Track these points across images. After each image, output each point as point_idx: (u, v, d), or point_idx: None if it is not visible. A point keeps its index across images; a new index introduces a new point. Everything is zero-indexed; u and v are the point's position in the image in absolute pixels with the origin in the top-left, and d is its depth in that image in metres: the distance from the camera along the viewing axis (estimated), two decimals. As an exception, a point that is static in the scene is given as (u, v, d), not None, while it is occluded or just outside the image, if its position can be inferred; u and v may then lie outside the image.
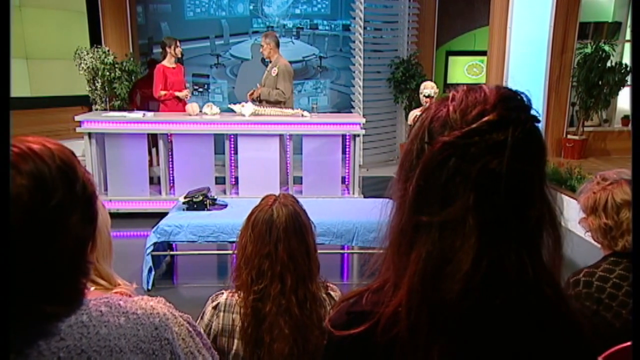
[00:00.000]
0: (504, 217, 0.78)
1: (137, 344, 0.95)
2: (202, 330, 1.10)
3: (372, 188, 7.24)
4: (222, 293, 1.76)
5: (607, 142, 9.72)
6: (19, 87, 8.66)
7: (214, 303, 1.74)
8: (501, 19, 5.72)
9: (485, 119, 0.78)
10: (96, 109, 8.47)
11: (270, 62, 6.47)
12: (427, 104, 5.33)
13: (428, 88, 5.47)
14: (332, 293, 1.78)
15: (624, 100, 9.51)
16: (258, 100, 6.45)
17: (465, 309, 0.78)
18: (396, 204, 0.88)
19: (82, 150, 8.48)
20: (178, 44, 6.61)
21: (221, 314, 1.71)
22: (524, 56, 5.65)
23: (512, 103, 0.81)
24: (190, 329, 1.05)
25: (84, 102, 9.08)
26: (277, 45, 6.41)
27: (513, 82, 5.72)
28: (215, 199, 4.73)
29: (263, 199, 1.80)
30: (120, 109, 8.19)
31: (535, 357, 0.82)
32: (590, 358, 0.89)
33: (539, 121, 0.83)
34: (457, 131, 0.79)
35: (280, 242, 1.67)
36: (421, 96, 5.54)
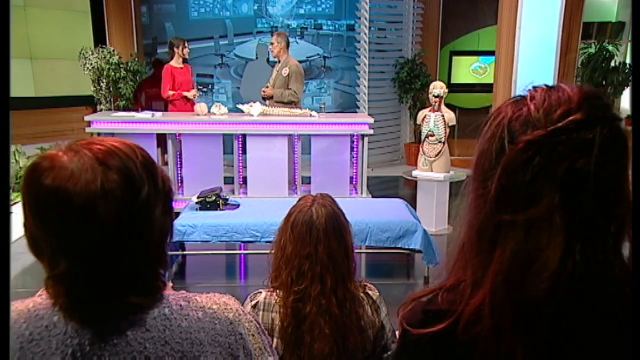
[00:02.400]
0: (591, 216, 0.79)
1: (215, 337, 0.98)
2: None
3: (378, 188, 7.26)
4: (261, 292, 1.76)
5: (611, 142, 9.75)
6: (24, 87, 8.65)
7: (253, 302, 1.74)
8: (510, 19, 5.73)
9: (572, 118, 0.79)
10: (101, 109, 8.46)
11: (279, 62, 6.46)
12: (437, 104, 5.36)
13: (438, 88, 5.48)
14: (370, 292, 1.79)
15: (627, 100, 9.55)
16: (269, 99, 6.44)
17: (552, 308, 0.79)
18: (474, 203, 0.89)
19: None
20: (186, 44, 6.62)
21: (260, 312, 1.72)
22: (533, 56, 5.66)
23: (597, 102, 0.82)
24: (258, 326, 1.06)
25: (88, 103, 9.08)
26: (288, 45, 6.41)
27: (522, 82, 5.73)
28: (228, 199, 4.73)
29: (301, 200, 1.80)
30: (125, 109, 8.20)
31: (617, 358, 0.82)
32: None
33: (621, 120, 0.83)
34: (542, 130, 0.80)
35: (320, 243, 1.68)
36: (431, 96, 5.55)
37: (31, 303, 0.97)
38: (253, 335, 1.04)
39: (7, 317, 0.86)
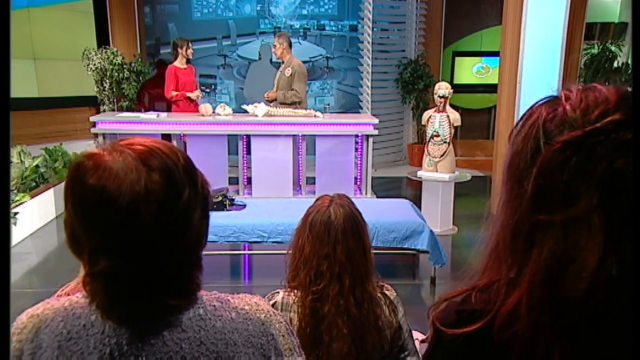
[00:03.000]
0: (629, 216, 0.79)
1: (248, 338, 0.98)
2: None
3: (381, 188, 7.27)
4: (278, 292, 1.77)
5: (613, 142, 9.76)
6: (27, 88, 8.65)
7: (271, 302, 1.75)
8: (515, 19, 5.73)
9: (610, 118, 0.79)
10: (104, 110, 8.47)
11: (283, 62, 6.47)
12: (442, 104, 5.37)
13: (442, 88, 5.49)
14: (387, 292, 1.79)
15: (629, 100, 9.53)
16: (273, 101, 6.45)
17: (590, 308, 0.79)
18: (508, 202, 0.89)
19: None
20: (190, 45, 6.61)
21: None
22: (537, 57, 5.66)
23: (633, 102, 0.82)
24: (288, 326, 1.06)
25: (91, 103, 9.08)
26: (290, 45, 6.41)
27: (527, 83, 5.73)
28: (234, 200, 4.73)
29: (318, 200, 1.80)
30: (129, 109, 8.21)
31: None
32: None
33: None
34: (579, 131, 0.80)
35: (338, 243, 1.68)
36: (435, 96, 5.55)
37: (67, 301, 0.97)
38: (283, 336, 1.05)
39: (7, 317, 0.86)
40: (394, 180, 8.33)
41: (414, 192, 7.26)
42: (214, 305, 0.99)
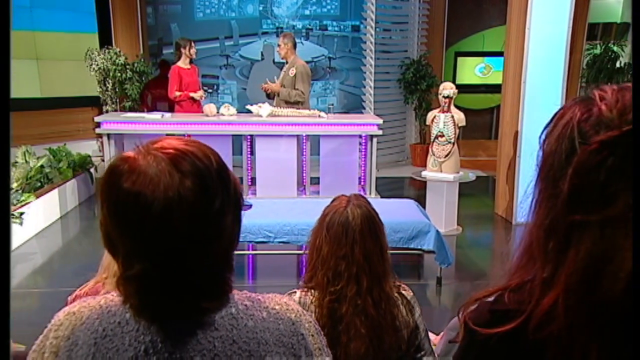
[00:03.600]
0: None
1: (279, 337, 0.99)
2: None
3: (384, 188, 7.26)
4: (295, 292, 1.77)
5: (615, 143, 9.78)
6: (29, 88, 8.65)
7: None
8: (519, 19, 5.73)
9: None
10: (107, 110, 8.47)
11: (287, 62, 6.47)
12: (446, 104, 5.37)
13: (447, 89, 5.49)
14: (403, 292, 1.80)
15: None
16: (275, 96, 6.45)
17: (627, 308, 0.79)
18: (542, 203, 0.89)
19: (91, 150, 8.49)
20: (193, 44, 6.61)
21: None
22: (542, 57, 5.66)
23: None
24: (316, 326, 1.07)
25: (94, 103, 9.08)
26: (294, 46, 6.42)
27: (531, 83, 5.74)
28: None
29: (335, 200, 1.81)
30: (131, 109, 8.21)
31: None
32: None
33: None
34: (616, 131, 0.80)
35: (356, 243, 1.69)
36: (440, 97, 5.56)
37: (102, 299, 0.98)
38: (312, 336, 1.05)
39: (7, 318, 0.86)
40: (397, 180, 8.33)
41: (416, 192, 7.27)
42: (246, 305, 0.99)
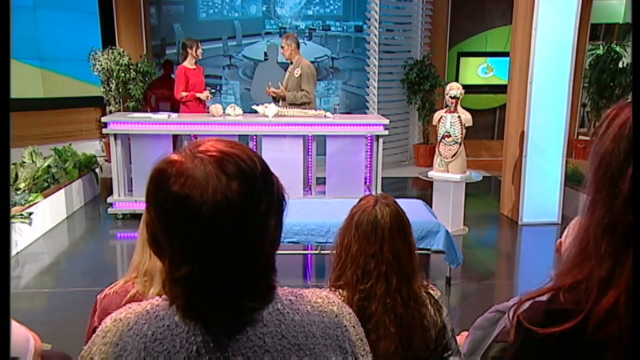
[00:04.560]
0: None
1: (324, 330, 1.00)
2: None
3: (388, 188, 7.27)
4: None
5: (617, 143, 9.80)
6: (32, 88, 8.64)
7: None
8: (525, 19, 5.74)
9: None
10: (110, 110, 8.47)
11: (291, 63, 6.48)
12: (453, 105, 5.38)
13: (454, 89, 5.50)
14: (431, 292, 1.80)
15: (633, 101, 9.58)
16: (281, 99, 6.46)
17: None
18: (600, 202, 0.90)
19: (94, 150, 8.48)
20: (199, 45, 6.61)
21: None
22: (548, 57, 5.68)
23: None
24: (356, 318, 1.08)
25: (97, 103, 9.08)
26: (298, 46, 6.43)
27: (537, 84, 5.75)
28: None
29: (362, 200, 1.81)
30: (135, 109, 8.21)
31: None
32: None
33: None
34: None
35: (385, 242, 1.69)
36: (447, 97, 5.57)
37: (148, 305, 0.99)
38: (354, 327, 1.06)
39: (8, 318, 0.86)
40: (400, 180, 8.35)
41: (419, 192, 7.29)
42: (290, 300, 1.01)
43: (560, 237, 1.75)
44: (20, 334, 1.73)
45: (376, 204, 1.75)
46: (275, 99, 6.60)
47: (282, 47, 6.46)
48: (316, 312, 1.01)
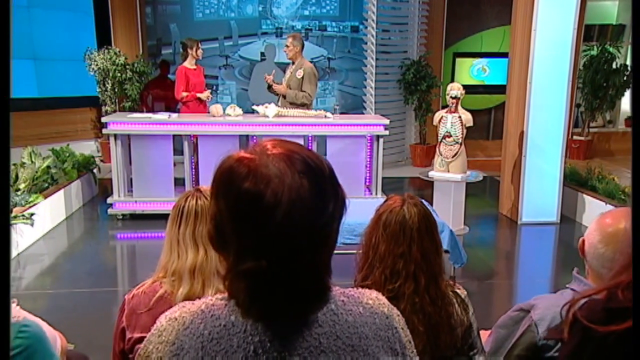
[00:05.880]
0: None
1: (376, 331, 1.00)
2: None
3: (385, 189, 7.27)
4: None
5: (611, 143, 9.91)
6: (26, 88, 8.56)
7: None
8: (525, 20, 5.78)
9: None
10: (106, 111, 8.42)
11: (293, 63, 6.48)
12: (454, 105, 5.40)
13: (455, 89, 5.53)
14: (457, 291, 1.82)
15: (627, 101, 9.70)
16: (281, 97, 6.46)
17: None
18: None
19: (89, 151, 8.43)
20: (199, 45, 6.59)
21: None
22: (547, 58, 5.72)
23: None
24: (403, 319, 1.09)
25: (92, 103, 9.03)
26: (303, 47, 6.44)
27: (537, 83, 5.79)
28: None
29: (389, 200, 1.82)
30: (131, 110, 8.17)
31: None
32: None
33: None
34: None
35: (414, 242, 1.71)
36: (448, 97, 5.60)
37: (202, 304, 0.99)
38: (402, 329, 1.07)
39: (7, 318, 0.86)
40: (397, 180, 8.36)
41: (418, 192, 7.31)
42: (343, 301, 1.01)
43: (583, 236, 1.75)
44: (49, 332, 1.73)
45: (404, 204, 1.76)
46: (270, 88, 6.56)
47: (287, 47, 6.45)
48: (368, 314, 1.01)
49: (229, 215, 0.91)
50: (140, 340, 1.74)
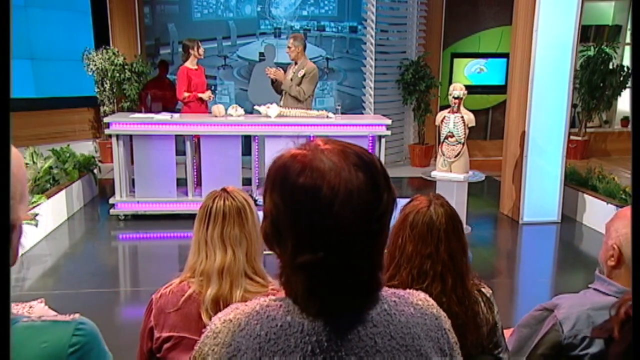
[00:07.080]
0: None
1: (427, 332, 1.02)
2: None
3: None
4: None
5: (607, 143, 9.99)
6: (24, 88, 8.52)
7: None
8: (526, 20, 5.81)
9: None
10: (104, 111, 8.40)
11: (295, 63, 6.49)
12: (456, 105, 5.42)
13: (457, 89, 5.55)
14: (483, 290, 1.83)
15: (623, 101, 9.77)
16: (279, 83, 6.46)
17: None
18: None
19: (87, 151, 8.40)
20: (200, 44, 6.58)
21: None
22: (549, 58, 5.76)
23: None
24: (450, 322, 1.10)
25: (90, 104, 8.99)
26: (305, 47, 6.46)
27: (538, 83, 5.83)
28: (257, 200, 4.73)
29: (414, 200, 1.84)
30: (130, 110, 8.15)
31: None
32: None
33: None
34: None
35: (441, 242, 1.71)
36: (450, 97, 5.62)
37: (256, 305, 0.99)
38: (449, 330, 1.08)
39: (7, 318, 0.86)
40: (396, 180, 8.37)
41: (417, 192, 7.32)
42: (394, 301, 1.02)
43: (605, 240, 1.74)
44: None
45: (430, 205, 1.78)
46: (278, 88, 6.56)
47: (289, 47, 6.46)
48: (418, 314, 1.02)
49: (286, 209, 0.92)
50: (168, 339, 1.75)
